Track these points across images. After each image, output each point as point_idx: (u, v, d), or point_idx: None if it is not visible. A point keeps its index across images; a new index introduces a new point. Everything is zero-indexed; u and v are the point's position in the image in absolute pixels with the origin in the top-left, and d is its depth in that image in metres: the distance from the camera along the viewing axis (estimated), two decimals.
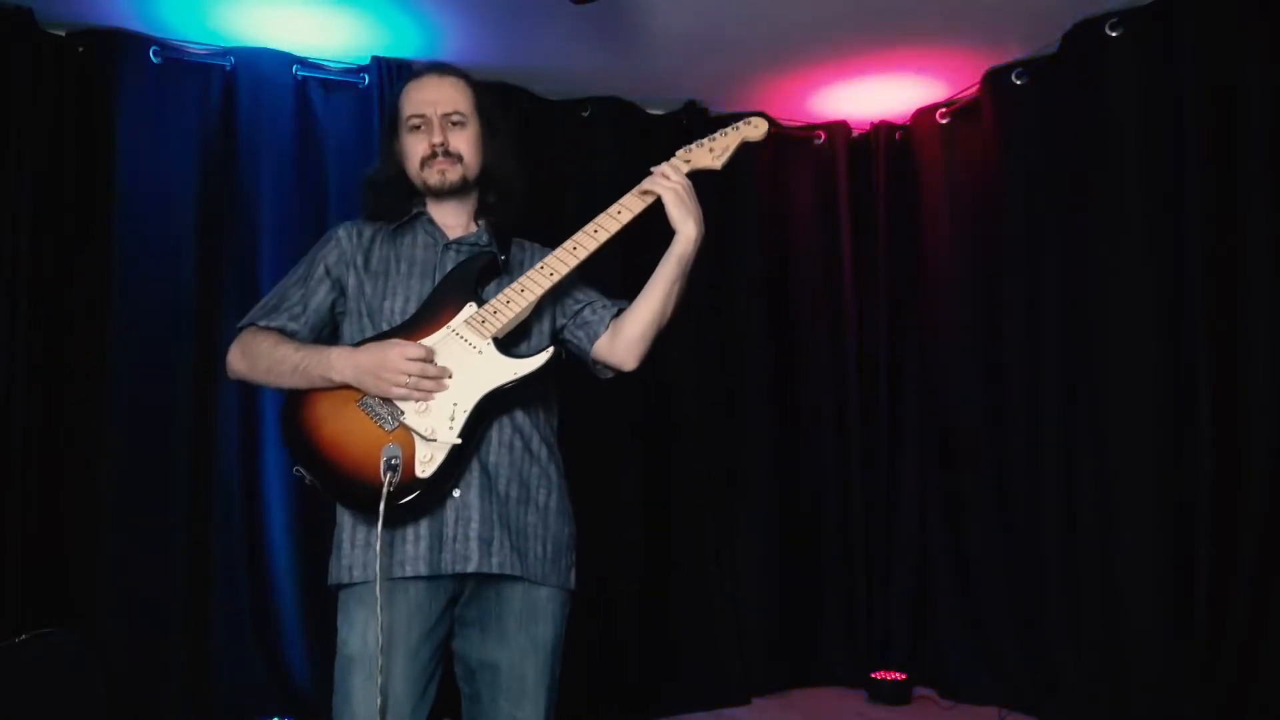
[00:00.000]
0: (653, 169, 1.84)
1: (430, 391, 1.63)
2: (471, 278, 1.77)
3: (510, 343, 1.73)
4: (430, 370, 1.62)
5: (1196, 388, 2.93)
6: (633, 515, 3.69)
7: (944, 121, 3.87)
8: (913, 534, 3.91)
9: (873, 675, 3.69)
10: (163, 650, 3.03)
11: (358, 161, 3.30)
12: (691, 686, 3.63)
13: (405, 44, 3.30)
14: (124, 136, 3.08)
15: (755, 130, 1.92)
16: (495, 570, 1.65)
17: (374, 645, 1.56)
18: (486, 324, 1.69)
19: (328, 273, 1.80)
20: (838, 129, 4.11)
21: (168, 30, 3.15)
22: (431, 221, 1.85)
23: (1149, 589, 3.04)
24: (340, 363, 1.65)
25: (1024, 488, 3.52)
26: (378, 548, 1.55)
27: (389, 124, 1.89)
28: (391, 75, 3.33)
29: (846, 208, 4.10)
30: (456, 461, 1.62)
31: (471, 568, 1.64)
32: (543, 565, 1.72)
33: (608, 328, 1.83)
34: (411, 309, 1.75)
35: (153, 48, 3.13)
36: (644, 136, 3.83)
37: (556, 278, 1.74)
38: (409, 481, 1.58)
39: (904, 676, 3.66)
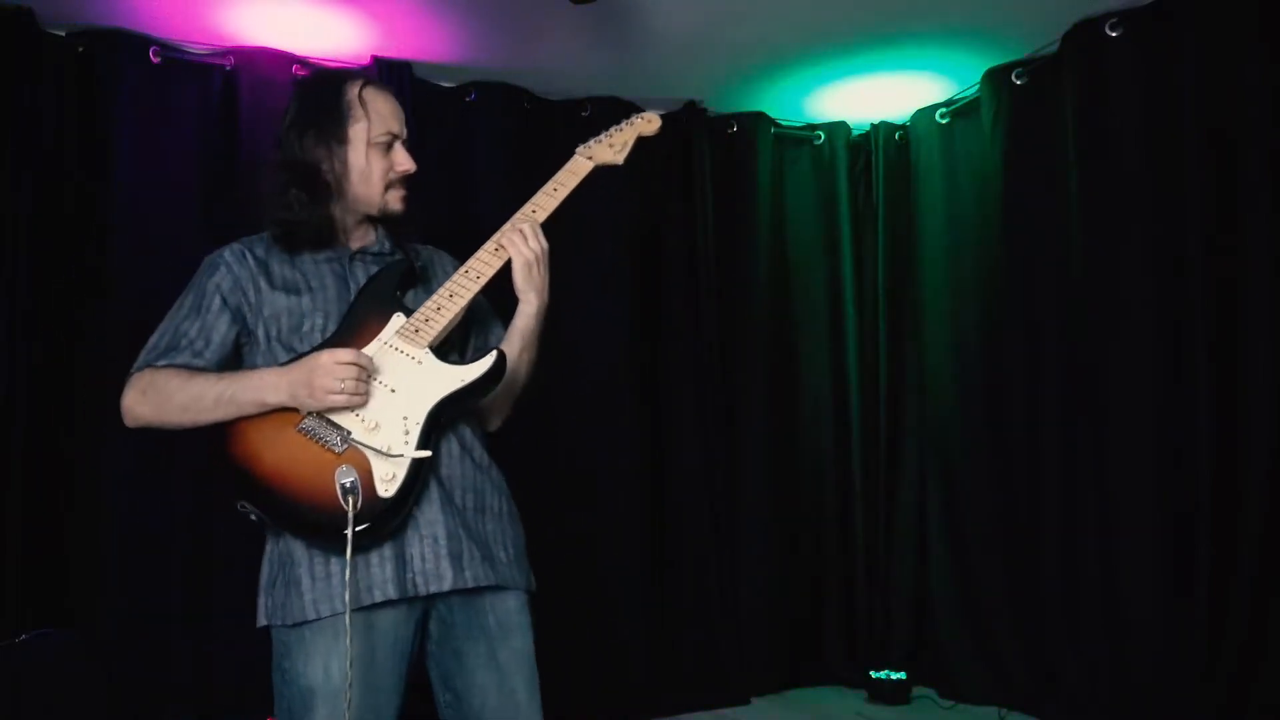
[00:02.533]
0: (515, 220, 1.75)
1: (367, 395, 1.53)
2: (391, 288, 1.68)
3: (440, 355, 1.63)
4: (362, 373, 1.52)
5: (1197, 387, 2.93)
6: (632, 515, 3.69)
7: (944, 121, 3.87)
8: (913, 533, 3.92)
9: (873, 675, 3.68)
10: (163, 650, 3.03)
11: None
12: (691, 686, 3.63)
13: (405, 44, 3.30)
14: (124, 136, 3.08)
15: (649, 125, 1.95)
16: (470, 584, 1.59)
17: (339, 679, 1.48)
18: (420, 333, 1.61)
19: (225, 303, 1.65)
20: (838, 129, 4.11)
21: (168, 30, 3.15)
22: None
23: (1149, 589, 3.04)
24: (273, 380, 1.53)
25: (1024, 487, 3.52)
26: (347, 576, 1.46)
27: (327, 120, 1.68)
28: (391, 75, 3.33)
29: (846, 208, 4.10)
30: (416, 477, 1.53)
31: (447, 585, 1.57)
32: (510, 569, 1.69)
33: None
34: (332, 327, 1.64)
35: (153, 48, 3.13)
36: (644, 136, 3.84)
37: (483, 281, 1.69)
38: (371, 502, 1.49)
39: (904, 676, 3.65)
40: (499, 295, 1.79)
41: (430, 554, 1.57)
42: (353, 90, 1.70)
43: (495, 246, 1.74)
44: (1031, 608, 3.47)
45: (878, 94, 3.87)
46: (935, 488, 3.86)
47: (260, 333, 1.65)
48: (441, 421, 1.60)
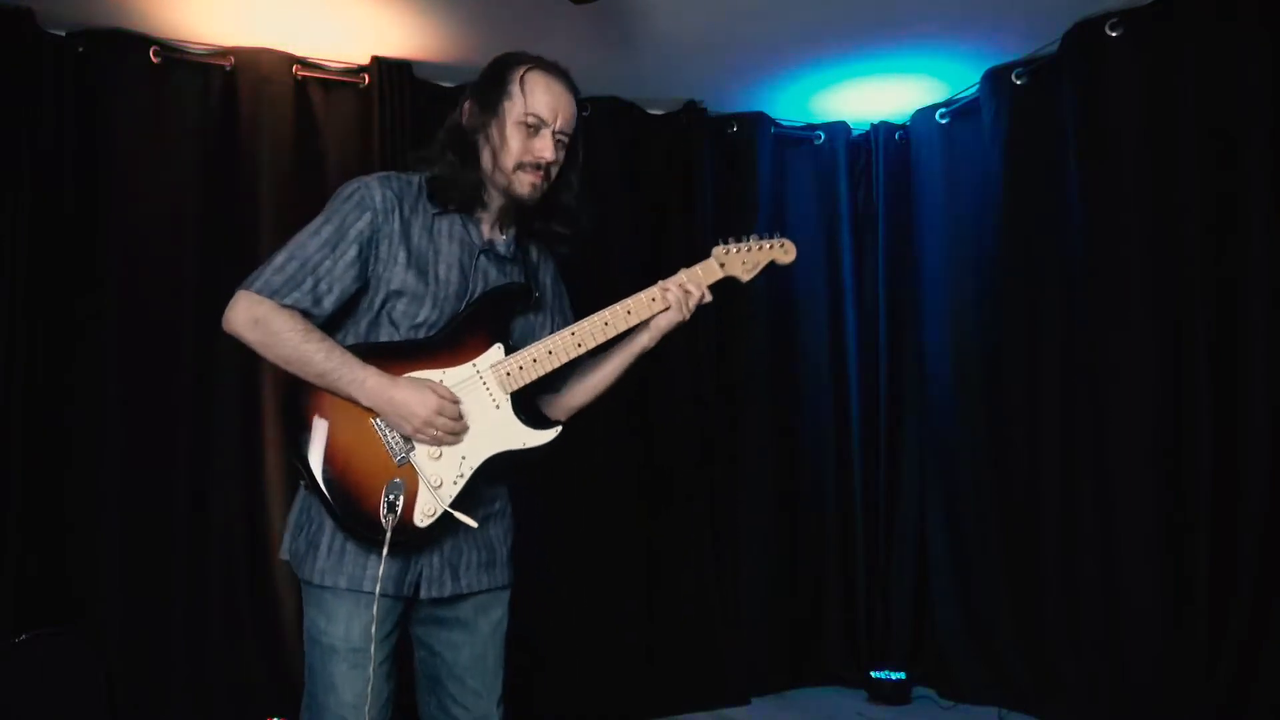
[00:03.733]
0: (683, 279, 1.84)
1: (450, 444, 1.64)
2: (504, 310, 1.75)
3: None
4: (456, 427, 1.63)
5: (1196, 387, 2.93)
6: (632, 515, 3.69)
7: (944, 121, 3.87)
8: (913, 533, 3.92)
9: (873, 675, 3.69)
10: (163, 650, 3.03)
11: (358, 161, 3.30)
12: (691, 686, 3.63)
13: (405, 44, 3.30)
14: (124, 136, 3.08)
15: (785, 255, 1.94)
16: (465, 591, 1.73)
17: (358, 640, 1.63)
18: (511, 377, 1.69)
19: (359, 254, 1.66)
20: (838, 129, 4.11)
21: (168, 30, 3.15)
22: (470, 217, 1.76)
23: (1149, 588, 3.04)
24: (375, 389, 1.60)
25: (1024, 487, 3.52)
26: (379, 572, 1.59)
27: (489, 91, 1.71)
28: (391, 75, 3.33)
29: (846, 208, 4.11)
30: (449, 518, 1.65)
31: (446, 593, 1.71)
32: (504, 569, 1.81)
33: (564, 387, 1.88)
34: (440, 324, 1.70)
35: (153, 48, 3.13)
36: (644, 136, 3.84)
37: (584, 349, 1.75)
38: (405, 524, 1.61)
39: (904, 676, 3.66)
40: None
41: (436, 562, 1.70)
42: (519, 70, 1.72)
43: (627, 309, 1.78)
44: (1031, 608, 3.47)
45: (878, 94, 3.87)
46: (935, 488, 3.86)
47: (378, 299, 1.68)
48: (491, 469, 1.69)
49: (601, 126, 3.74)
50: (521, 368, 1.70)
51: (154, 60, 3.13)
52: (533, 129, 1.69)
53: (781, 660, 3.86)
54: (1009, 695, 3.45)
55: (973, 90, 3.73)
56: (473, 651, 1.77)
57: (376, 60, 3.33)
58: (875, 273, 4.08)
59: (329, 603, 1.65)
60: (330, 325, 1.68)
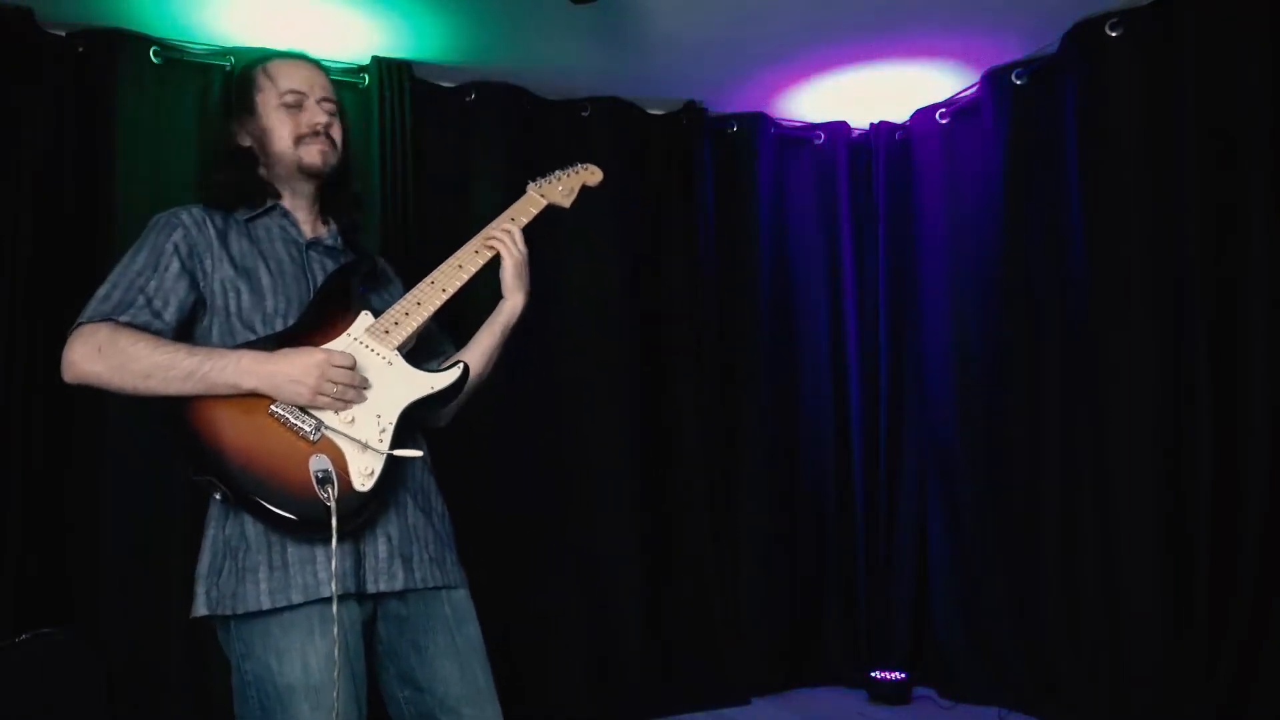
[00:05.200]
0: (499, 222, 1.87)
1: (351, 402, 1.55)
2: (355, 285, 1.71)
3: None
4: (356, 379, 1.56)
5: (1196, 387, 2.93)
6: (632, 515, 3.69)
7: (944, 121, 3.87)
8: (913, 534, 3.91)
9: (873, 675, 3.69)
10: (163, 650, 3.03)
11: (358, 161, 3.30)
12: (691, 686, 3.63)
13: (405, 44, 3.30)
14: (124, 136, 3.08)
15: (592, 176, 2.07)
16: (419, 585, 1.64)
17: (319, 672, 1.49)
18: (390, 334, 1.65)
19: (183, 266, 1.62)
20: (838, 129, 4.11)
21: (168, 30, 3.15)
22: (287, 216, 1.75)
23: (1149, 588, 3.04)
24: (253, 368, 1.51)
25: (1024, 487, 3.52)
26: (333, 567, 1.47)
27: (240, 99, 1.76)
28: (391, 75, 3.33)
29: (846, 208, 4.10)
30: (392, 473, 1.57)
31: (399, 585, 1.60)
32: (455, 569, 1.73)
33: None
34: (293, 314, 1.65)
35: (153, 48, 3.13)
36: (644, 137, 3.84)
37: (448, 294, 1.74)
38: (348, 494, 1.50)
39: (904, 676, 3.66)
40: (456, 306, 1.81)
41: (384, 553, 1.61)
42: (257, 67, 1.77)
43: (475, 249, 1.81)
44: (1031, 608, 3.47)
45: (878, 94, 3.87)
46: (935, 488, 3.86)
47: (220, 303, 1.63)
48: (408, 426, 1.63)
49: (601, 126, 3.74)
50: (396, 323, 1.67)
51: (154, 60, 3.13)
52: (295, 106, 1.72)
53: (781, 660, 3.85)
54: (1009, 695, 3.45)
55: (973, 90, 3.73)
56: (463, 676, 1.64)
57: (376, 60, 3.33)
58: (875, 273, 4.08)
59: (275, 635, 1.51)
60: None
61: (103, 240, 3.05)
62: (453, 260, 1.79)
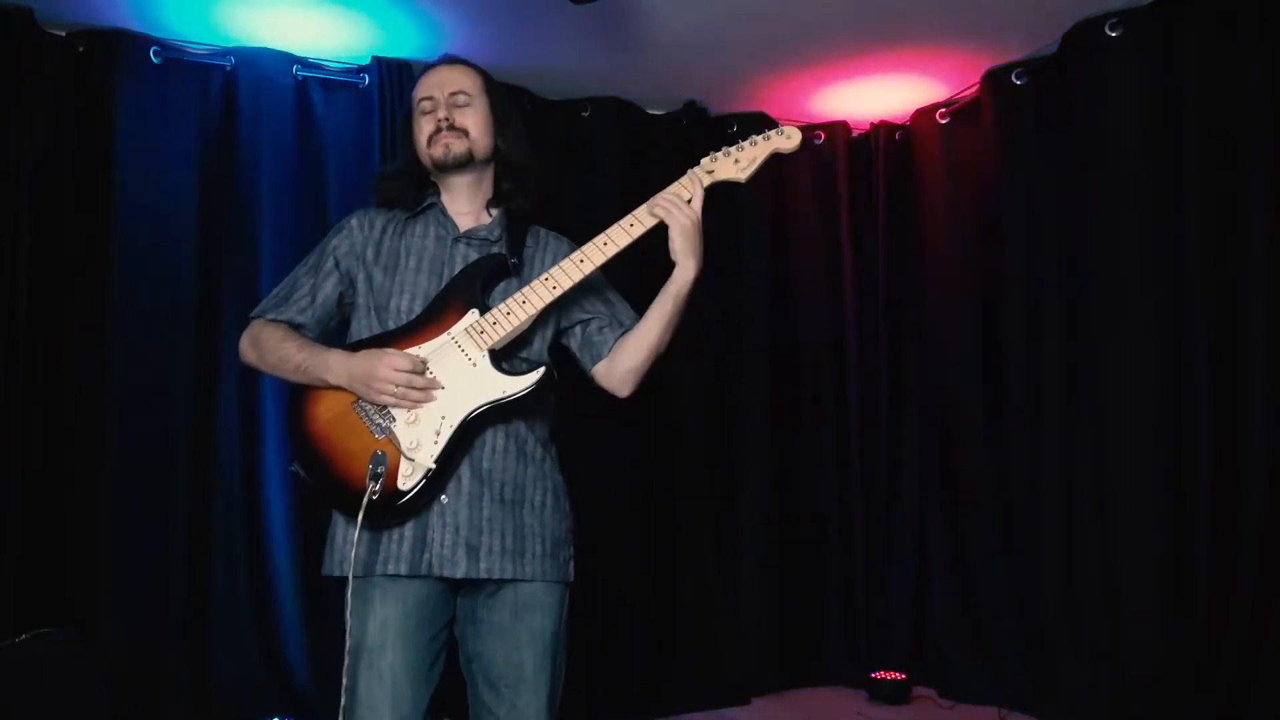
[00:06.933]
0: (666, 192, 1.78)
1: (418, 402, 1.66)
2: (480, 280, 1.75)
3: (511, 350, 1.74)
4: (418, 381, 1.65)
5: (1196, 387, 2.93)
6: (633, 516, 3.69)
7: (944, 122, 3.87)
8: (913, 534, 3.91)
9: (873, 675, 3.69)
10: (163, 650, 3.03)
11: (358, 161, 3.31)
12: (691, 686, 3.63)
13: (405, 44, 3.30)
14: (124, 136, 3.08)
15: (788, 141, 1.87)
16: (483, 575, 1.69)
17: (370, 636, 1.66)
18: (485, 335, 1.69)
19: (337, 265, 1.82)
20: (838, 129, 4.11)
21: (168, 30, 3.15)
22: (443, 212, 1.84)
23: (1149, 589, 3.04)
24: (337, 366, 1.70)
25: (1024, 488, 3.52)
26: (353, 554, 1.63)
27: (404, 118, 1.90)
28: (391, 75, 3.33)
29: (846, 208, 4.10)
30: (436, 478, 1.66)
31: (460, 573, 1.68)
32: (540, 562, 1.74)
33: (610, 352, 1.85)
34: (418, 308, 1.75)
35: (153, 48, 3.13)
36: (644, 136, 3.84)
37: (559, 291, 1.73)
38: (390, 491, 1.64)
39: (904, 676, 3.66)
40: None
41: (450, 541, 1.68)
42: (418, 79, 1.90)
43: (631, 222, 1.78)
44: (1031, 608, 3.47)
45: (878, 94, 3.86)
46: (935, 488, 3.86)
47: (362, 300, 1.80)
48: (477, 426, 1.69)
49: (601, 126, 3.74)
50: (495, 322, 1.69)
51: (154, 60, 3.13)
52: (428, 112, 1.82)
53: (781, 660, 3.85)
54: (1009, 695, 3.45)
55: (972, 90, 3.73)
56: (509, 658, 1.71)
57: (376, 60, 3.33)
58: (875, 272, 4.08)
59: (354, 601, 1.67)
60: (337, 337, 1.83)
61: (102, 240, 3.06)
62: (574, 255, 1.77)
